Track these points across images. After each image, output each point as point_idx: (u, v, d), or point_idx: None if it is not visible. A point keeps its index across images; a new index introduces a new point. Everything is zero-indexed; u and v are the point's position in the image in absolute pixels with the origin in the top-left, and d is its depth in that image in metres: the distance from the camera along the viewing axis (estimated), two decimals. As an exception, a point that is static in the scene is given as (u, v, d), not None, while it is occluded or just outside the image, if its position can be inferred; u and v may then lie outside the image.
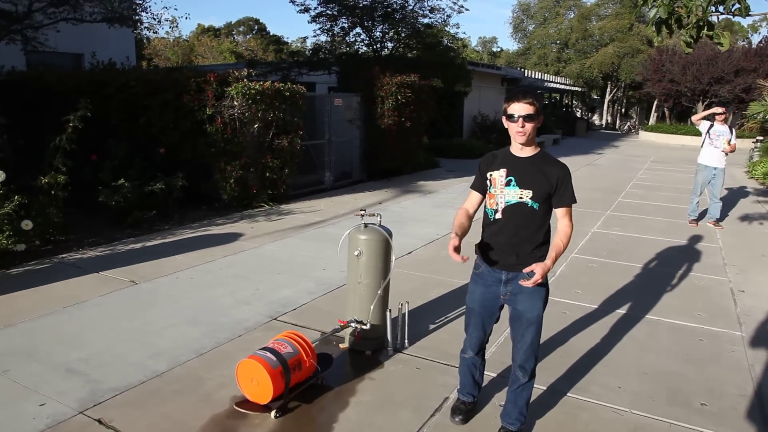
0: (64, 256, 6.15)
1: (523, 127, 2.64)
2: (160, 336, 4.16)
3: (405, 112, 11.91)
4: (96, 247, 6.55)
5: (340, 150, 11.46)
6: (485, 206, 2.86)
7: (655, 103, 34.08)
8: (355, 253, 3.83)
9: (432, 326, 4.45)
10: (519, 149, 2.75)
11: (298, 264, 6.02)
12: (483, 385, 3.29)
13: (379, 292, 3.87)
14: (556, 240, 2.69)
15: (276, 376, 3.10)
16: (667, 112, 32.35)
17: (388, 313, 3.95)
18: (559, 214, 2.76)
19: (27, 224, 5.95)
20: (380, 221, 3.92)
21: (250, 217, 8.39)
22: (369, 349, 3.96)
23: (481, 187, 2.86)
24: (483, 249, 2.86)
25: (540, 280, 2.57)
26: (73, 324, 4.36)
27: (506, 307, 2.93)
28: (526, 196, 2.70)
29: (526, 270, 2.59)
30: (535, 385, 3.49)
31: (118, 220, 7.52)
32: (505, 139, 2.84)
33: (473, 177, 2.92)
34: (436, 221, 8.31)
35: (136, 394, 3.38)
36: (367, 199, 10.00)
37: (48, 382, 3.47)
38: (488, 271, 2.85)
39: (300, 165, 9.72)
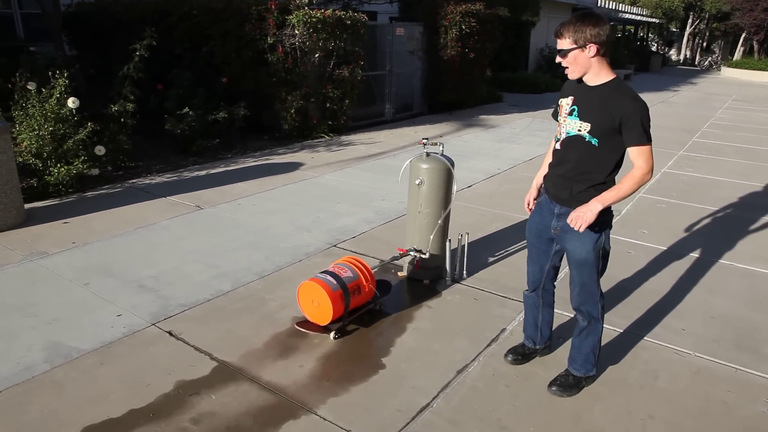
0: (134, 181, 6.41)
1: (558, 63, 2.51)
2: (224, 258, 4.32)
3: (469, 42, 11.47)
4: (163, 173, 6.78)
5: (400, 81, 11.23)
6: None
7: (743, 36, 31.46)
8: (417, 182, 3.78)
9: (491, 259, 4.41)
10: (592, 77, 2.51)
11: (358, 194, 6.05)
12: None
13: (439, 221, 3.84)
14: (621, 182, 2.46)
15: (336, 298, 3.16)
16: (756, 46, 29.84)
17: (447, 244, 3.93)
18: (630, 155, 2.47)
19: (100, 149, 6.22)
20: (442, 150, 3.84)
21: (310, 147, 8.44)
22: (427, 279, 3.98)
23: (557, 116, 2.73)
24: (545, 178, 2.79)
25: (583, 225, 2.42)
26: (144, 244, 4.58)
27: None
28: (584, 129, 2.48)
29: (569, 219, 2.48)
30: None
31: (183, 148, 7.72)
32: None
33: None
34: (498, 155, 8.11)
35: (203, 310, 3.55)
36: (427, 132, 9.83)
37: (122, 295, 3.69)
38: (546, 201, 2.77)
39: (360, 96, 9.61)
